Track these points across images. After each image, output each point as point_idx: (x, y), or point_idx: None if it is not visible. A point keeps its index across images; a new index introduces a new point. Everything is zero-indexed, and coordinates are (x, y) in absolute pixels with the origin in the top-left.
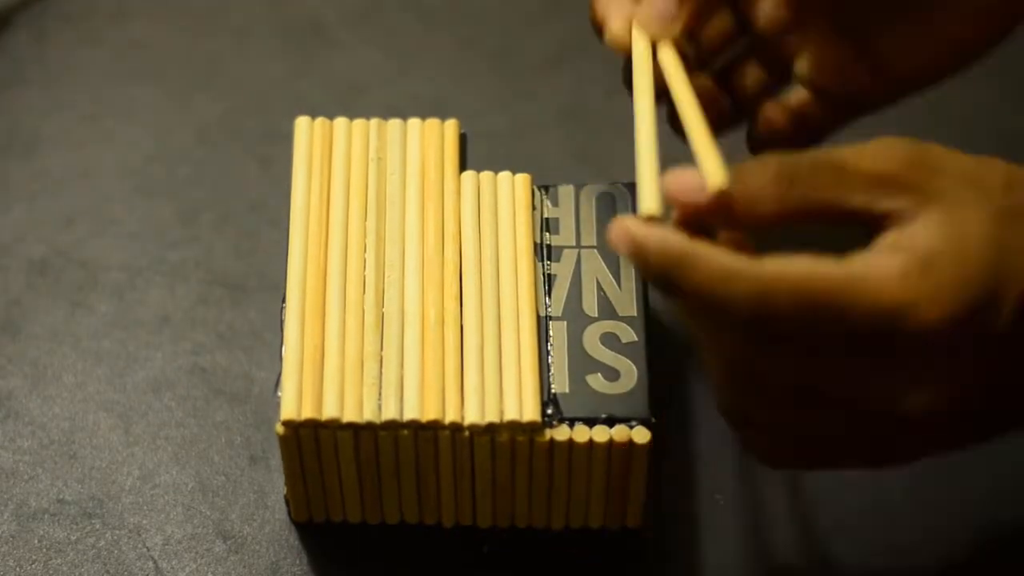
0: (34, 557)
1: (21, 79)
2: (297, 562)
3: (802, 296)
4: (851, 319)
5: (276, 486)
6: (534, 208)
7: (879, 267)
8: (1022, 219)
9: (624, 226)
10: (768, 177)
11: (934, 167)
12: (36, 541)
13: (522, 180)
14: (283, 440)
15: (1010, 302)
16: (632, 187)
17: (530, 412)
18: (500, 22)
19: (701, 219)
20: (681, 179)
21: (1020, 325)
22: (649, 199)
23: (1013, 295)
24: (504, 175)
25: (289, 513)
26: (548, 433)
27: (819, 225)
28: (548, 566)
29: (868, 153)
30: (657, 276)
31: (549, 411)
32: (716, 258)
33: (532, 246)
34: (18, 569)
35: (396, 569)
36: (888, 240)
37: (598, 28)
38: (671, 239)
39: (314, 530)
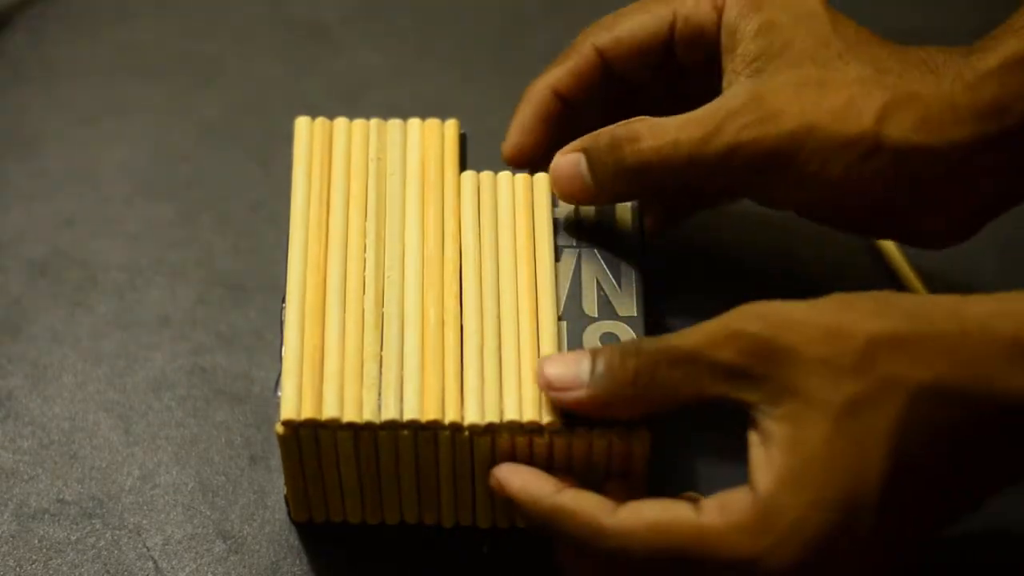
0: (34, 557)
1: (21, 79)
2: (297, 562)
3: (655, 548)
4: (704, 570)
5: (276, 486)
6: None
7: (728, 518)
8: (870, 407)
9: (499, 476)
10: (626, 380)
11: (783, 355)
12: (36, 541)
13: (522, 180)
14: (283, 440)
15: (870, 505)
16: None
17: (530, 412)
18: (500, 22)
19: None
20: (557, 376)
21: (887, 516)
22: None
23: (871, 498)
24: (504, 175)
25: (289, 513)
26: (548, 434)
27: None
28: (548, 566)
29: (718, 341)
30: (529, 523)
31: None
32: (580, 514)
33: (532, 246)
34: (18, 569)
35: (396, 569)
36: (749, 472)
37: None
38: (539, 494)
39: (314, 530)
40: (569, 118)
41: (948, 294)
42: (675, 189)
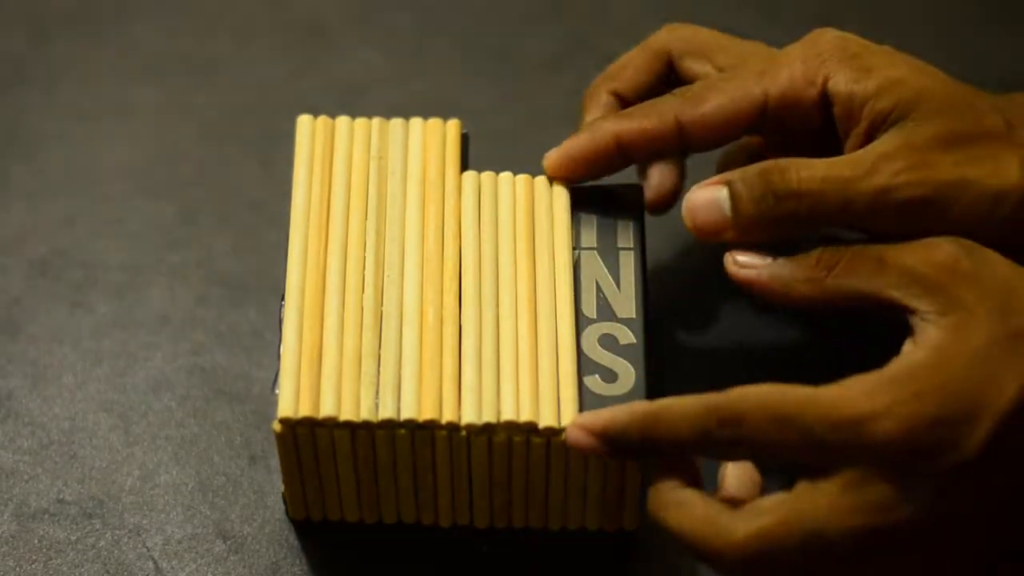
0: (34, 557)
1: (21, 79)
2: (297, 562)
3: (768, 413)
4: (813, 432)
5: (276, 486)
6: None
7: (843, 388)
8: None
9: (578, 425)
10: (810, 263)
11: (968, 275)
12: (36, 541)
13: (523, 181)
14: (280, 438)
15: (982, 429)
16: (632, 188)
17: (527, 413)
18: (500, 22)
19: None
20: (745, 252)
21: (989, 454)
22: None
23: (987, 422)
24: (505, 175)
25: (286, 511)
26: (545, 435)
27: (853, 310)
28: (547, 567)
29: (911, 249)
30: (628, 452)
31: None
32: (685, 408)
33: (532, 247)
34: (18, 569)
35: (396, 569)
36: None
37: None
38: (631, 410)
39: (314, 530)
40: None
41: None
42: (814, 230)
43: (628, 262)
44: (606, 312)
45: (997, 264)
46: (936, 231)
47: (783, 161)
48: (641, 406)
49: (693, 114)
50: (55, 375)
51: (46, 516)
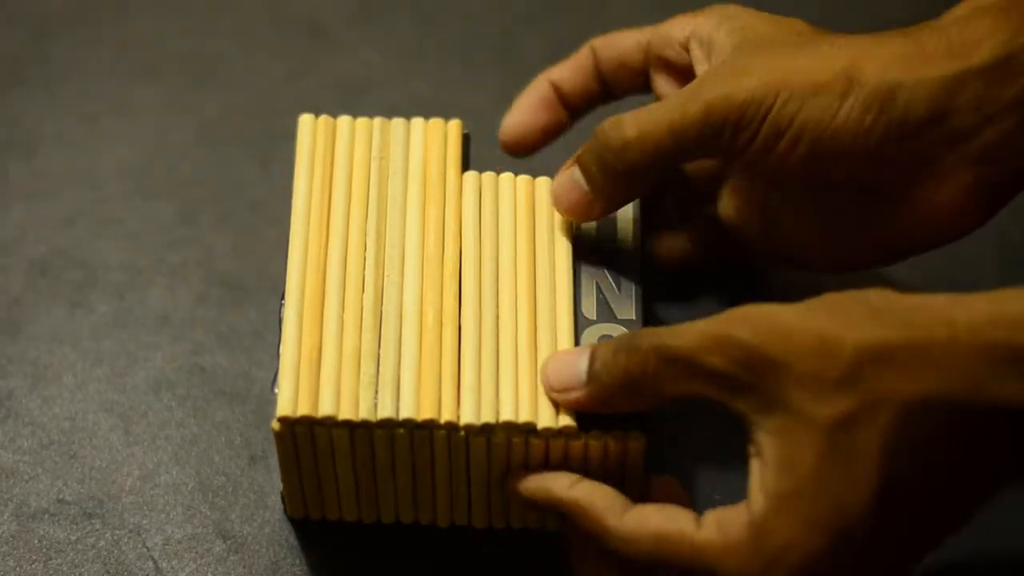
0: (34, 557)
1: (21, 79)
2: (297, 562)
3: (655, 556)
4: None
5: (276, 486)
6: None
7: (725, 537)
8: (860, 422)
9: (515, 480)
10: (619, 377)
11: (772, 367)
12: (36, 541)
13: (524, 182)
14: (279, 437)
15: (860, 526)
16: None
17: (526, 413)
18: (500, 22)
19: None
20: (558, 372)
21: (878, 536)
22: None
23: (862, 518)
24: (506, 176)
25: (284, 509)
26: (544, 435)
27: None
28: (545, 567)
29: (708, 346)
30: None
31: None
32: (591, 512)
33: (532, 248)
34: (18, 569)
35: (396, 570)
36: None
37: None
38: (554, 488)
39: (314, 530)
40: (565, 115)
41: (943, 294)
42: (666, 174)
43: (628, 263)
44: (606, 313)
45: (794, 330)
46: (771, 134)
47: (616, 116)
48: (561, 493)
49: (603, 40)
50: (55, 375)
51: (46, 516)
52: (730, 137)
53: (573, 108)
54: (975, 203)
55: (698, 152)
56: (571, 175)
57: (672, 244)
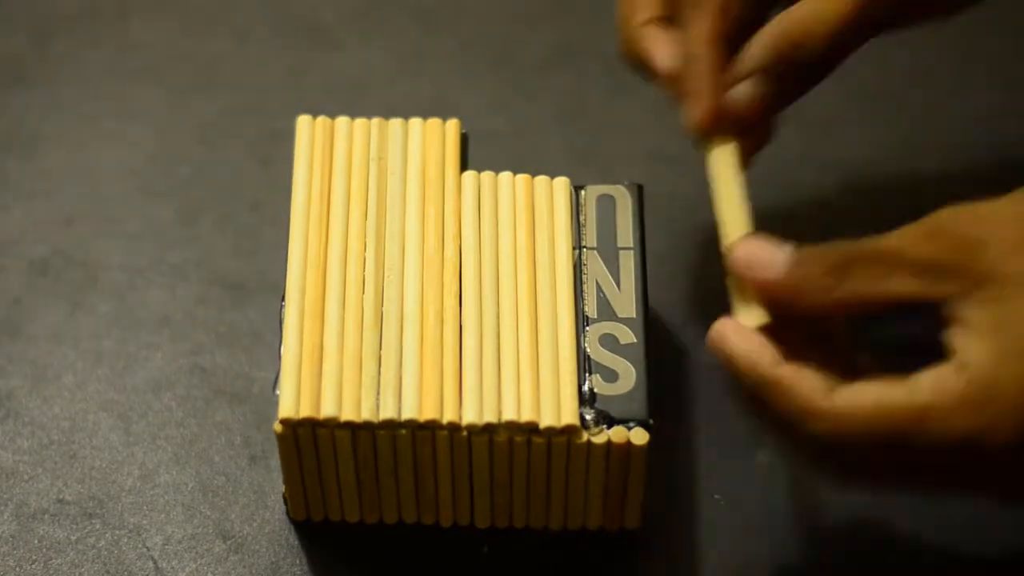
0: (34, 557)
1: (21, 79)
2: (297, 562)
3: (874, 432)
4: (924, 450)
5: (276, 486)
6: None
7: (945, 396)
8: None
9: (722, 333)
10: (822, 269)
11: (975, 242)
12: (36, 541)
13: (523, 181)
14: (281, 439)
15: None
16: (633, 188)
17: (528, 412)
18: (500, 22)
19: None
20: (753, 253)
21: None
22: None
23: None
24: (505, 175)
25: (287, 511)
26: (546, 434)
27: (875, 313)
28: (547, 567)
29: (913, 239)
30: (743, 390)
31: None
32: (796, 392)
33: (532, 247)
34: (18, 569)
35: (397, 570)
36: (954, 352)
37: (640, 71)
38: (760, 362)
39: (314, 530)
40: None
41: None
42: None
43: (628, 262)
44: (606, 312)
45: (997, 216)
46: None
47: (794, 20)
48: (762, 370)
49: None
50: (55, 375)
51: (46, 516)
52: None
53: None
54: None
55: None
56: (754, 88)
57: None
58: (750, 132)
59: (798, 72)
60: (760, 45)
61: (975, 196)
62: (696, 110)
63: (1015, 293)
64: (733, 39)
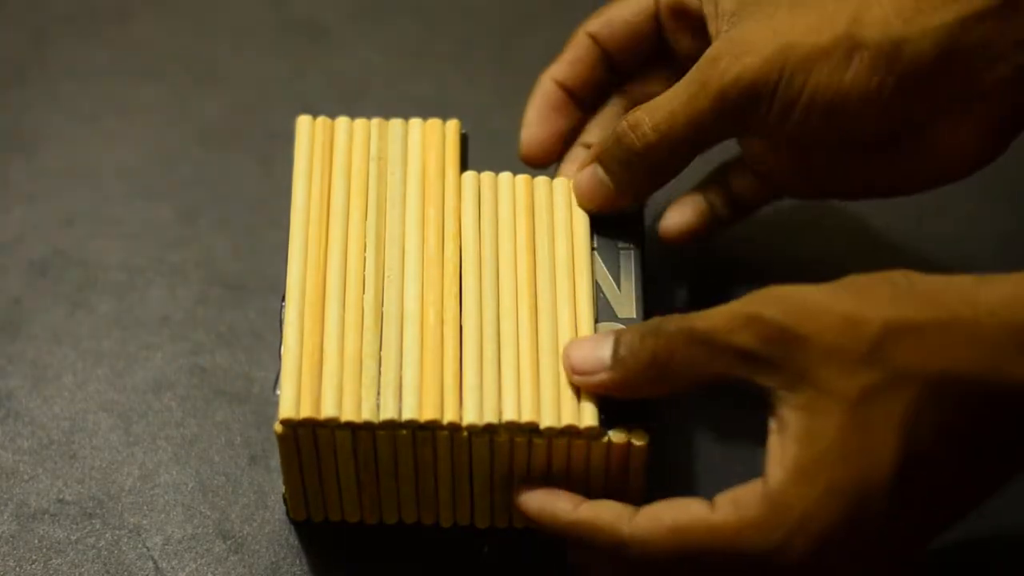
0: (34, 557)
1: (21, 79)
2: (297, 562)
3: (672, 551)
4: (720, 567)
5: (276, 486)
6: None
7: (740, 515)
8: (883, 397)
9: (522, 502)
10: (644, 364)
11: (800, 343)
12: (36, 541)
13: (523, 182)
14: (281, 439)
15: (881, 496)
16: None
17: (528, 413)
18: (500, 22)
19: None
20: (579, 359)
21: (898, 507)
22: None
23: (883, 488)
24: (505, 175)
25: (287, 512)
26: (546, 435)
27: (708, 386)
28: (548, 567)
29: (735, 325)
30: (569, 549)
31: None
32: (599, 527)
33: (532, 247)
34: (18, 569)
35: (397, 570)
36: (766, 457)
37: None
38: (557, 513)
39: (314, 530)
40: (578, 113)
41: (967, 275)
42: (686, 163)
43: (628, 262)
44: (606, 312)
45: (821, 309)
46: (784, 106)
47: (633, 115)
48: (563, 514)
49: (598, 23)
50: (55, 375)
51: (46, 516)
52: (746, 116)
53: (584, 102)
54: (987, 140)
55: (718, 136)
56: (595, 174)
57: (681, 217)
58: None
59: (631, 169)
60: (600, 141)
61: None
62: (521, 142)
63: (825, 406)
64: (579, 95)
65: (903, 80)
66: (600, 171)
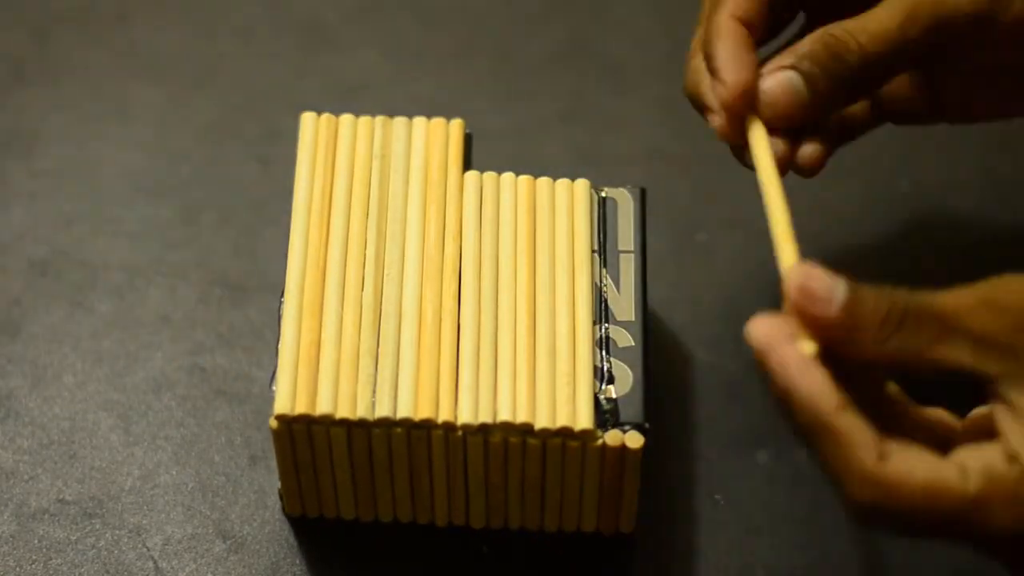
0: (34, 557)
1: (21, 79)
2: (297, 562)
3: (922, 513)
4: (972, 538)
5: (276, 486)
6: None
7: (996, 488)
8: None
9: (782, 360)
10: (877, 317)
11: None
12: (36, 541)
13: (525, 182)
14: (276, 435)
15: None
16: (636, 192)
17: (524, 414)
18: (501, 22)
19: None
20: (810, 284)
21: None
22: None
23: None
24: (507, 176)
25: (282, 507)
26: (542, 436)
27: (920, 374)
28: (546, 567)
29: (977, 307)
30: (795, 425)
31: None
32: (850, 448)
33: (533, 248)
34: (18, 569)
35: (397, 570)
36: (1002, 435)
37: (697, 107)
38: (821, 406)
39: (314, 530)
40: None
41: None
42: (889, 80)
43: (628, 265)
44: (605, 314)
45: None
46: (1003, 44)
47: (842, 28)
48: (822, 413)
49: None
50: (55, 375)
51: (46, 516)
52: (955, 46)
53: (761, 38)
54: None
55: (919, 63)
56: (791, 80)
57: (815, 147)
58: (793, 133)
59: (836, 82)
60: (797, 49)
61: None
62: (722, 88)
63: None
64: (759, 29)
65: None
66: (797, 78)
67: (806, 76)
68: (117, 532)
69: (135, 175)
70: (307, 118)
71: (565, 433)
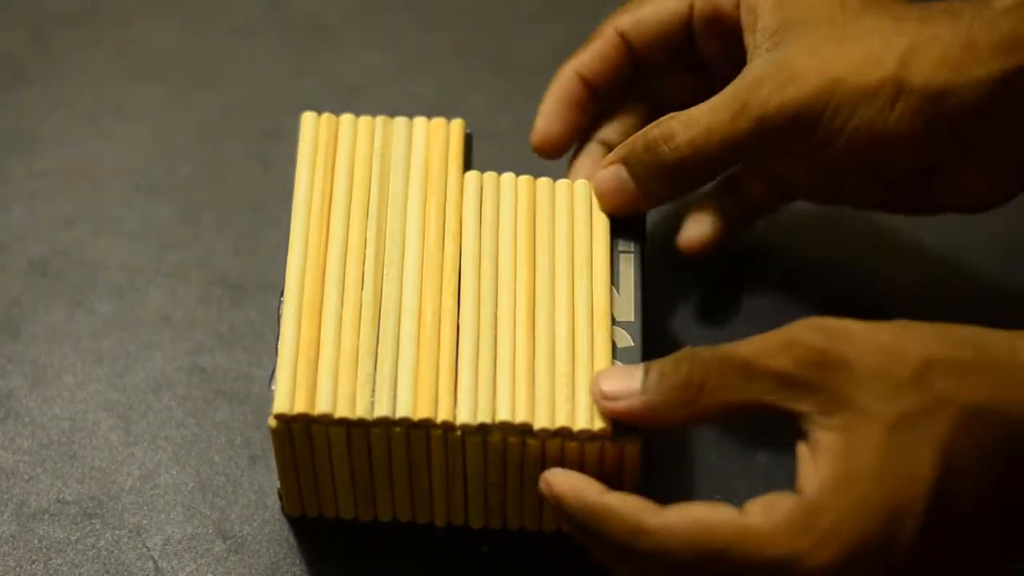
0: (34, 557)
1: (21, 79)
2: (297, 562)
3: (694, 547)
4: (742, 569)
5: (276, 486)
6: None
7: (769, 518)
8: (922, 421)
9: (548, 480)
10: (677, 385)
11: (839, 364)
12: (36, 541)
13: (525, 182)
14: (275, 434)
15: (914, 515)
16: None
17: (522, 414)
18: (501, 22)
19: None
20: (610, 385)
21: (930, 531)
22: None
23: (917, 508)
24: (507, 176)
25: (282, 507)
26: (540, 436)
27: (733, 420)
28: (546, 567)
29: (773, 350)
30: (573, 525)
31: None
32: (624, 513)
33: (532, 248)
34: (18, 569)
35: (397, 570)
36: (798, 478)
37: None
38: (586, 493)
39: (314, 531)
40: (596, 108)
41: (1001, 330)
42: (716, 176)
43: (628, 266)
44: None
45: (862, 338)
46: (822, 140)
47: (667, 124)
48: (589, 500)
49: (629, 20)
50: (55, 375)
51: (46, 516)
52: (784, 143)
53: (603, 98)
54: (1011, 182)
55: (750, 157)
56: (619, 175)
57: (699, 229)
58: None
59: (655, 176)
60: (628, 141)
61: None
62: (537, 126)
63: (863, 426)
64: (600, 89)
65: (944, 126)
66: (624, 173)
67: (630, 169)
68: (117, 532)
69: (135, 175)
70: (307, 118)
71: (564, 433)
